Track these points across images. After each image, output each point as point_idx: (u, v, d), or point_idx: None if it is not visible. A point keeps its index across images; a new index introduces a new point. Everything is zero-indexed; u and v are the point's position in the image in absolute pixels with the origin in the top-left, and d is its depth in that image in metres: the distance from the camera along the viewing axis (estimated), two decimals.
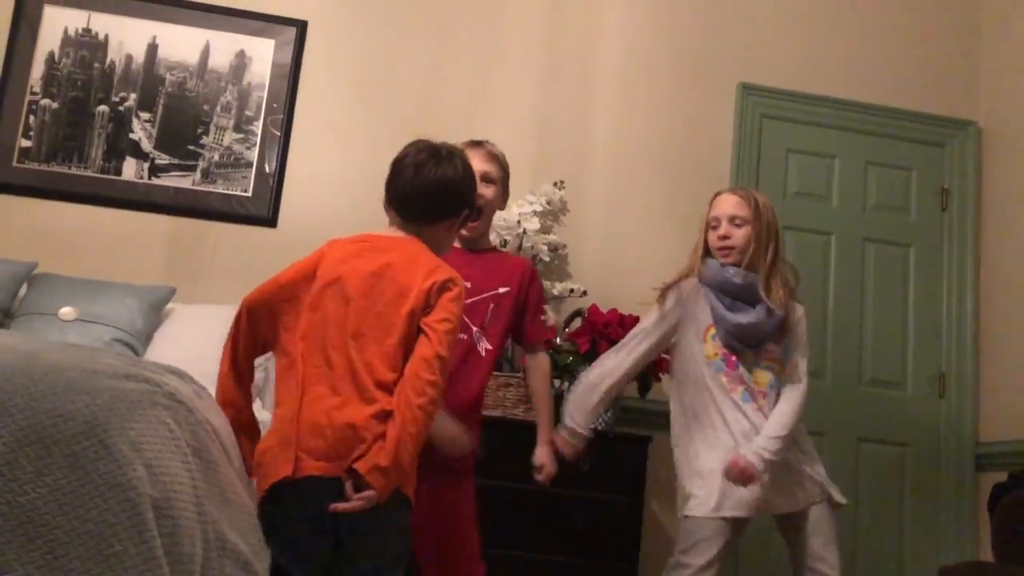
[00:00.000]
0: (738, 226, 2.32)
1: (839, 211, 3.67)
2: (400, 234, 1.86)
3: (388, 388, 1.63)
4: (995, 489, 2.25)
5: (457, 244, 2.25)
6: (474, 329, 2.11)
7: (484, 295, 2.14)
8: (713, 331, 2.32)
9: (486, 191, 2.20)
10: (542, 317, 2.27)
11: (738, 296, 2.29)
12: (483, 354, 2.10)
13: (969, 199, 3.70)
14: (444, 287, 1.74)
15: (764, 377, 2.29)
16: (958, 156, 3.75)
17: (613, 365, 2.39)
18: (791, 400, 2.28)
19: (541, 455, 2.20)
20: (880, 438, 3.52)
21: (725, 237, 2.32)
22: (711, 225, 2.38)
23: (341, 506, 1.55)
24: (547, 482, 2.22)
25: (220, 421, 1.57)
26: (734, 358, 2.29)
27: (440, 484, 2.04)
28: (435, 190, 1.84)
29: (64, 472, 1.24)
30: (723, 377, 2.29)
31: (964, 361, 3.58)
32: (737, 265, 2.32)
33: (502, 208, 2.38)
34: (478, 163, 2.18)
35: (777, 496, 2.25)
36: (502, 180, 2.27)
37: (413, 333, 1.68)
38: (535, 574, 2.83)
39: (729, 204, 2.35)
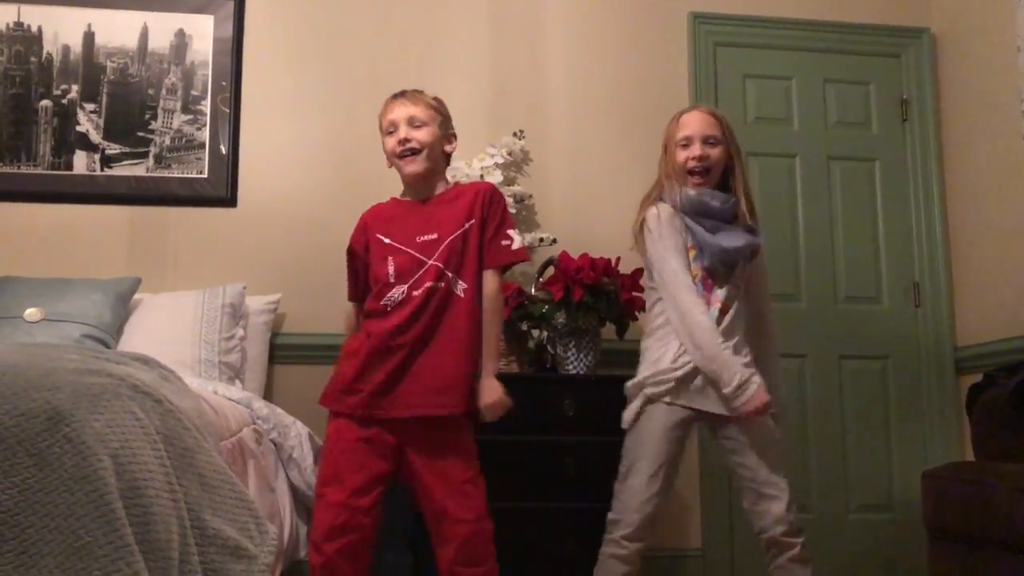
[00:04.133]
0: (712, 145, 2.27)
1: (801, 132, 3.66)
2: None
3: None
4: (971, 389, 2.27)
5: (410, 199, 2.19)
6: (449, 275, 2.05)
7: (451, 237, 2.08)
8: (694, 253, 2.28)
9: (416, 133, 2.12)
10: (503, 242, 2.11)
11: (720, 218, 2.26)
12: (462, 295, 2.05)
13: (928, 107, 3.69)
14: None
15: (734, 293, 2.28)
16: (914, 64, 3.73)
17: (697, 309, 2.22)
18: (773, 332, 2.35)
19: (486, 392, 2.05)
20: (861, 353, 3.55)
21: (703, 157, 2.25)
22: (680, 144, 2.30)
23: None
24: (491, 418, 2.07)
25: (190, 403, 1.55)
26: (710, 281, 2.27)
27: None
28: None
29: (31, 471, 1.22)
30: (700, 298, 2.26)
31: (936, 269, 3.60)
32: (706, 187, 2.29)
33: (448, 149, 2.23)
34: (400, 111, 2.13)
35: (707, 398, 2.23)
36: (436, 120, 2.17)
37: None
38: (532, 523, 2.86)
39: (703, 123, 2.28)
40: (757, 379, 2.14)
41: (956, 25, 3.64)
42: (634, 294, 3.05)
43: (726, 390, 2.13)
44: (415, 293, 2.04)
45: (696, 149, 2.26)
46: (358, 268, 2.22)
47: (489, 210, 2.12)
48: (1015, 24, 2.99)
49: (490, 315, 2.08)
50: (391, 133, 2.16)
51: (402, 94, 2.20)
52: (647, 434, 2.25)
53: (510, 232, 2.12)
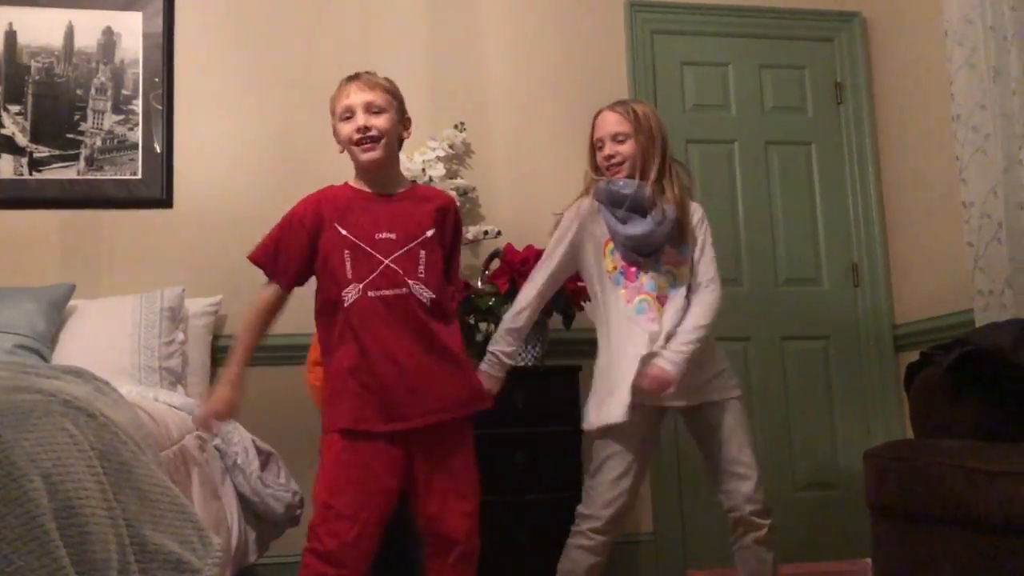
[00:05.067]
0: (621, 142, 2.33)
1: (739, 118, 3.70)
2: None
3: None
4: (908, 368, 2.32)
5: (367, 189, 2.10)
6: (411, 282, 1.99)
7: (413, 244, 2.02)
8: (611, 245, 2.33)
9: (376, 121, 2.05)
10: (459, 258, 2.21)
11: (631, 207, 2.30)
12: (427, 304, 1.99)
13: (862, 90, 3.76)
14: None
15: (664, 282, 2.30)
16: (847, 48, 3.80)
17: (523, 298, 2.37)
18: (702, 301, 2.29)
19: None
20: (803, 334, 3.62)
21: (611, 156, 2.33)
22: (596, 146, 2.38)
23: None
24: (491, 404, 2.15)
25: (126, 415, 1.51)
26: (633, 269, 2.30)
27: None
28: None
29: None
30: (621, 290, 2.30)
31: (874, 250, 3.68)
32: (629, 178, 2.33)
33: (405, 135, 2.18)
34: (356, 96, 2.07)
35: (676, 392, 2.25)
36: (393, 106, 2.10)
37: None
38: (484, 516, 2.85)
39: (610, 122, 2.35)
40: (484, 367, 2.28)
41: (886, 9, 3.71)
42: (579, 284, 3.05)
43: None
44: (370, 294, 1.97)
45: (606, 149, 2.35)
46: (301, 244, 2.04)
47: (456, 227, 2.15)
48: (942, 8, 3.05)
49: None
50: (347, 119, 2.08)
51: (357, 77, 2.12)
52: (615, 432, 2.25)
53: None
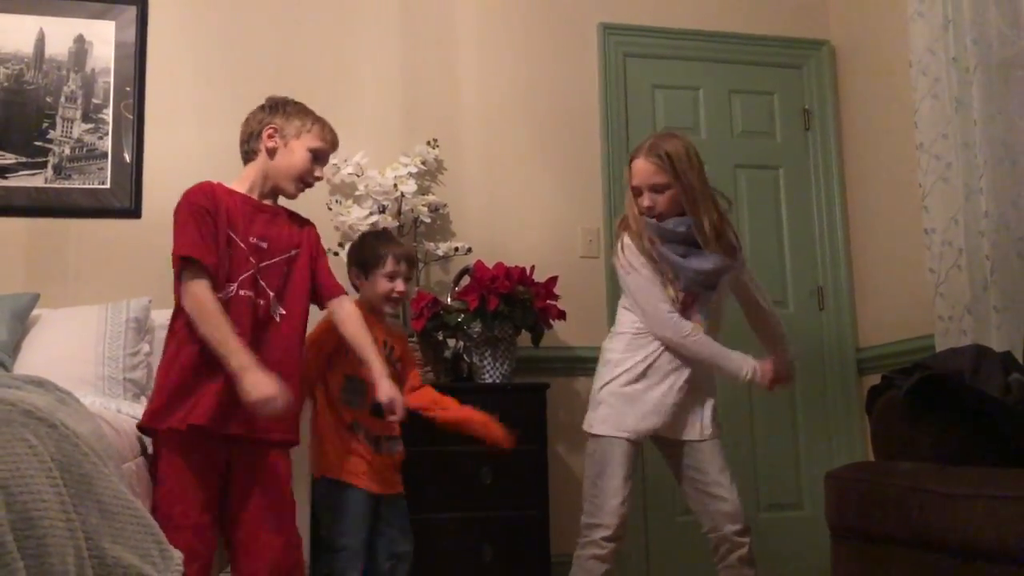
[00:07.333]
0: (660, 192, 2.34)
1: (708, 141, 3.74)
2: None
3: None
4: (870, 391, 2.36)
5: (244, 191, 2.17)
6: (271, 294, 2.06)
7: (278, 258, 2.11)
8: (672, 277, 2.37)
9: (319, 175, 2.26)
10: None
11: (685, 242, 2.35)
12: (277, 319, 2.06)
13: (829, 116, 3.83)
14: None
15: (704, 316, 2.38)
16: (815, 76, 3.87)
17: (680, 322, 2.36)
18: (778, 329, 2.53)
19: (387, 390, 2.14)
20: None
21: (651, 208, 2.35)
22: (635, 191, 2.39)
23: None
24: (404, 416, 2.18)
25: (88, 427, 1.50)
26: (690, 300, 2.36)
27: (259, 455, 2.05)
28: None
29: None
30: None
31: (839, 274, 3.73)
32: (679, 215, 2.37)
33: (270, 157, 2.23)
34: (329, 151, 2.28)
35: (676, 424, 2.35)
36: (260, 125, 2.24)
37: None
38: (449, 533, 2.85)
39: (646, 173, 2.35)
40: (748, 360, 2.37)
41: (854, 38, 3.78)
42: (548, 302, 3.08)
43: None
44: (242, 292, 2.03)
45: (645, 200, 2.36)
46: (214, 232, 2.04)
47: (318, 249, 2.24)
48: (908, 39, 3.12)
49: (362, 327, 2.21)
50: (314, 160, 2.20)
51: (333, 131, 2.28)
52: (618, 439, 2.30)
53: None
